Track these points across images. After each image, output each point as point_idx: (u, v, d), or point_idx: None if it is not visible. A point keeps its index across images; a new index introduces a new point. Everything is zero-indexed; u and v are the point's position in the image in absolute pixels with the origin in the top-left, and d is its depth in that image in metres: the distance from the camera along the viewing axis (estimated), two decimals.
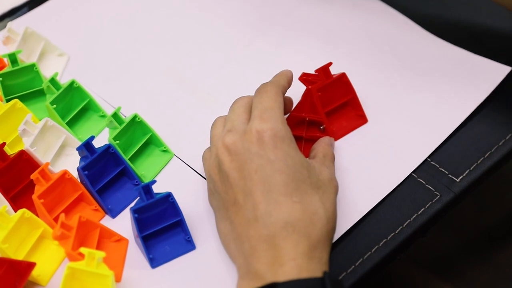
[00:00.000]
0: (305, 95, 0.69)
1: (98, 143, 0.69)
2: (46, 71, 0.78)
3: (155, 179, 0.68)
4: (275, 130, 0.59)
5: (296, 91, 0.69)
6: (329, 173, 0.61)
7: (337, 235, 0.63)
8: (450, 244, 1.10)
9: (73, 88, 0.72)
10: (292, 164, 0.58)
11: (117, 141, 0.67)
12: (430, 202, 0.67)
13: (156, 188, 0.67)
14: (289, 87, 0.66)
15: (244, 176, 0.58)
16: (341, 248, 0.64)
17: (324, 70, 0.68)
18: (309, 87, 0.68)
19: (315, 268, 0.55)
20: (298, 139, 0.69)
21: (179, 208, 0.63)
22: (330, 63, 0.69)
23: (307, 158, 0.64)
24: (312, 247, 0.56)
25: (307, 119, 0.69)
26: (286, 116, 0.70)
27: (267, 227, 0.56)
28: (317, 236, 0.56)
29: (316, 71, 0.69)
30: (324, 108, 0.69)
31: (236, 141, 0.60)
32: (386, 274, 1.05)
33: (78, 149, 0.65)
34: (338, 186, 0.62)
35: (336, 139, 0.70)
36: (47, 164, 0.65)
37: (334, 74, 0.69)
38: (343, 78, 0.69)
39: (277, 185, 0.57)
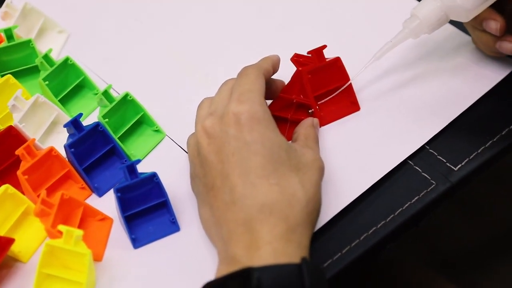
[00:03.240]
0: (295, 76, 0.67)
1: (92, 121, 0.68)
2: (45, 48, 0.77)
3: (141, 159, 0.68)
4: (252, 112, 0.58)
5: (289, 72, 0.68)
6: (312, 153, 0.60)
7: (324, 221, 0.62)
8: (478, 240, 1.08)
9: (67, 65, 0.72)
10: (270, 146, 0.57)
11: (106, 119, 0.66)
12: (425, 191, 0.64)
13: (145, 168, 0.67)
14: (274, 71, 0.65)
15: (222, 159, 0.57)
16: (329, 235, 0.62)
17: (317, 52, 0.66)
18: (300, 68, 0.66)
19: (293, 252, 0.54)
20: (283, 120, 0.67)
21: (164, 189, 0.62)
22: (324, 46, 0.67)
23: (289, 141, 0.62)
24: (290, 230, 0.54)
25: (294, 101, 0.67)
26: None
27: (243, 210, 0.55)
28: (296, 218, 0.55)
29: (309, 52, 0.67)
30: (314, 91, 0.67)
31: (214, 124, 0.59)
32: (400, 271, 1.03)
33: (65, 126, 0.65)
34: (324, 167, 0.60)
35: (323, 124, 0.68)
36: (33, 140, 0.64)
37: (328, 58, 0.67)
38: (337, 62, 0.67)
39: (254, 168, 0.56)
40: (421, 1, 0.65)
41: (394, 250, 0.64)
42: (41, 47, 0.77)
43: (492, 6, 0.65)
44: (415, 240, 1.06)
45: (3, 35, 0.73)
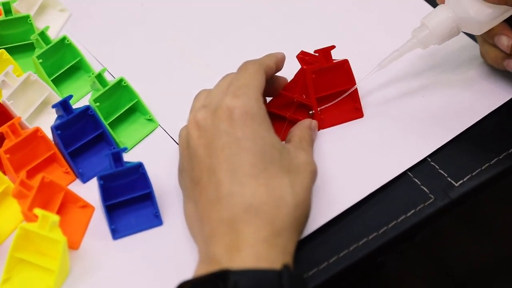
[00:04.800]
0: (299, 74, 0.64)
1: (84, 104, 0.66)
2: (44, 26, 0.74)
3: (129, 147, 0.66)
4: (246, 107, 0.55)
5: (293, 70, 0.65)
6: (305, 156, 0.57)
7: (312, 228, 0.59)
8: (487, 259, 1.06)
9: (64, 45, 0.69)
10: (262, 144, 0.54)
11: (97, 104, 0.64)
12: (422, 205, 0.62)
13: (134, 157, 0.64)
14: (277, 69, 0.62)
15: (211, 154, 0.55)
16: (316, 242, 0.59)
17: (325, 52, 0.64)
18: (304, 67, 0.63)
19: (275, 258, 0.51)
20: (281, 119, 0.64)
21: (150, 180, 0.60)
22: (333, 46, 0.64)
23: (283, 142, 0.59)
24: (275, 234, 0.52)
25: (295, 100, 0.64)
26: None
27: (228, 209, 0.52)
28: (282, 222, 0.52)
29: (316, 51, 0.64)
30: (317, 92, 0.64)
31: (207, 117, 0.57)
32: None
33: (54, 106, 0.62)
34: (317, 171, 0.58)
35: (323, 127, 0.65)
36: (19, 118, 0.62)
37: (335, 59, 0.64)
38: (344, 65, 0.65)
39: (243, 165, 0.53)
40: (432, 10, 0.63)
41: (397, 264, 0.61)
42: (40, 25, 0.74)
43: (506, 21, 0.62)
44: (420, 255, 1.04)
45: (1, 8, 0.70)
